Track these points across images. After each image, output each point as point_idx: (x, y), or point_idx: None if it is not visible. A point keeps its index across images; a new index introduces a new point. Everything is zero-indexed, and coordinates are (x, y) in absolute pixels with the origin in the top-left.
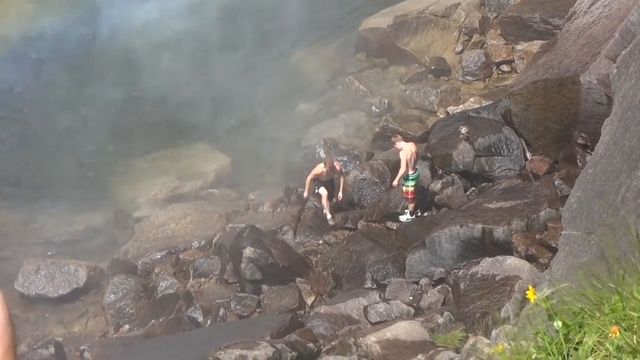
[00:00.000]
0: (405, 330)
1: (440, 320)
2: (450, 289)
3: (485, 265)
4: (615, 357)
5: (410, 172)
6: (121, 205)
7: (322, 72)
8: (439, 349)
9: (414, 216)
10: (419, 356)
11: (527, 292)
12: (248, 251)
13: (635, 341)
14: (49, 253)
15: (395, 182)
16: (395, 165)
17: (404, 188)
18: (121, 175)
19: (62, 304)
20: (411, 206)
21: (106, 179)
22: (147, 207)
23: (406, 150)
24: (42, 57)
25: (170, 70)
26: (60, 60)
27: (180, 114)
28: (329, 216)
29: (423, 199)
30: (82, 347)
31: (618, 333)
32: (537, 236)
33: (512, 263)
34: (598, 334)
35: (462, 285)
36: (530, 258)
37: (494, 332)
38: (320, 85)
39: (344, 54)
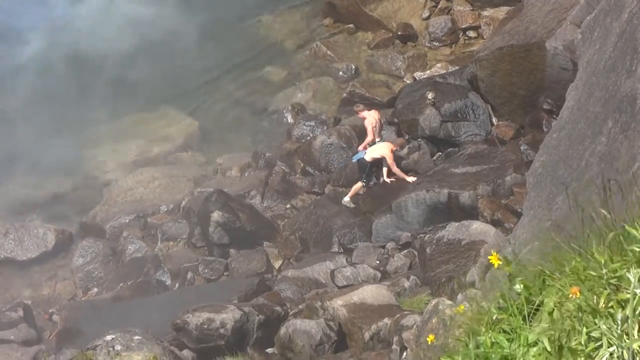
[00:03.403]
0: (372, 294)
1: (407, 284)
2: (416, 253)
3: (451, 230)
4: (575, 317)
5: (377, 140)
6: (89, 169)
7: (289, 37)
8: (405, 312)
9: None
10: (385, 320)
11: (490, 256)
12: (216, 215)
13: (595, 301)
14: (18, 216)
15: (360, 148)
16: (362, 131)
17: None
18: (89, 139)
19: (30, 267)
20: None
21: (74, 143)
22: (115, 171)
23: (370, 118)
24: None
25: (138, 34)
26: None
27: (148, 78)
28: (346, 198)
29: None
30: (50, 310)
31: (578, 293)
32: (502, 201)
33: (477, 227)
34: (559, 294)
35: (428, 250)
36: (495, 223)
37: (459, 296)
38: (287, 50)
39: (311, 19)
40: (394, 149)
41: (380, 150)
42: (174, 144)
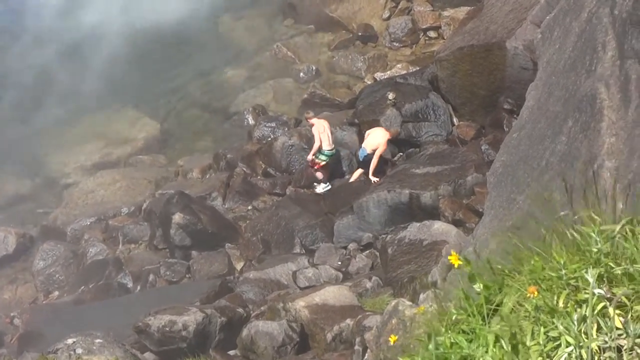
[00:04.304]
0: (334, 295)
1: (369, 284)
2: (378, 253)
3: (413, 230)
4: (533, 317)
5: (328, 148)
6: (50, 171)
7: (250, 38)
8: (367, 313)
9: (322, 188)
10: (347, 320)
11: (450, 257)
12: (177, 217)
13: (554, 301)
14: None
15: (309, 157)
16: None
17: (316, 160)
18: (50, 142)
19: None
20: (319, 176)
21: (34, 145)
22: (76, 173)
23: (319, 126)
24: None
25: (101, 37)
26: None
27: (108, 80)
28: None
29: (337, 172)
30: (11, 314)
31: (536, 293)
32: (464, 201)
33: (439, 228)
34: (517, 294)
35: (389, 250)
36: (457, 223)
37: (421, 296)
38: (248, 51)
39: (272, 20)
40: (389, 138)
41: (378, 139)
42: (135, 146)
